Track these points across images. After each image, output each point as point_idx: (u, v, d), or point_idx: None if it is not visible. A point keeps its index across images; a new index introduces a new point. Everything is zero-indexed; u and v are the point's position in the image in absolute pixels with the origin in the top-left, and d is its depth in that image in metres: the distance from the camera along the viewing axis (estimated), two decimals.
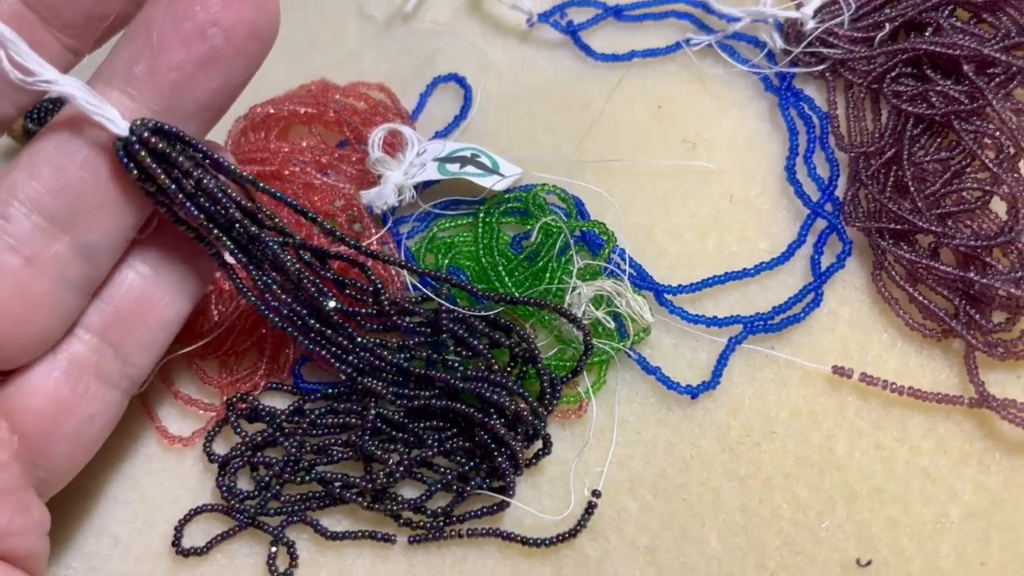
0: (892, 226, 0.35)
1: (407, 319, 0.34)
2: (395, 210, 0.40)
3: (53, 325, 0.29)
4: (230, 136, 0.41)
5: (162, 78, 0.28)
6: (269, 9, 0.28)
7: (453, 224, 0.39)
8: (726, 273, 0.37)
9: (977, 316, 0.34)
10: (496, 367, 0.34)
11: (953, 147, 0.36)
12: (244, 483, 0.36)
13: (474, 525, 0.34)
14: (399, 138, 0.40)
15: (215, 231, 0.30)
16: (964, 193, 0.36)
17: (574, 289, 0.36)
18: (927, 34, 0.38)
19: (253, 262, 0.32)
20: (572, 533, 0.34)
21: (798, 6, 0.40)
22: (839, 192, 0.38)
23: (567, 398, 0.35)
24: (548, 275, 0.36)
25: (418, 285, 0.37)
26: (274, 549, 0.35)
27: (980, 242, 0.34)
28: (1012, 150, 0.35)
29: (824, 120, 0.39)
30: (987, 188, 0.35)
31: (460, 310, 0.34)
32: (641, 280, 0.37)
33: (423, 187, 0.40)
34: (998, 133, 0.35)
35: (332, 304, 0.32)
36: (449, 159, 0.39)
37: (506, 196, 0.38)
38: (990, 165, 0.35)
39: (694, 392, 0.35)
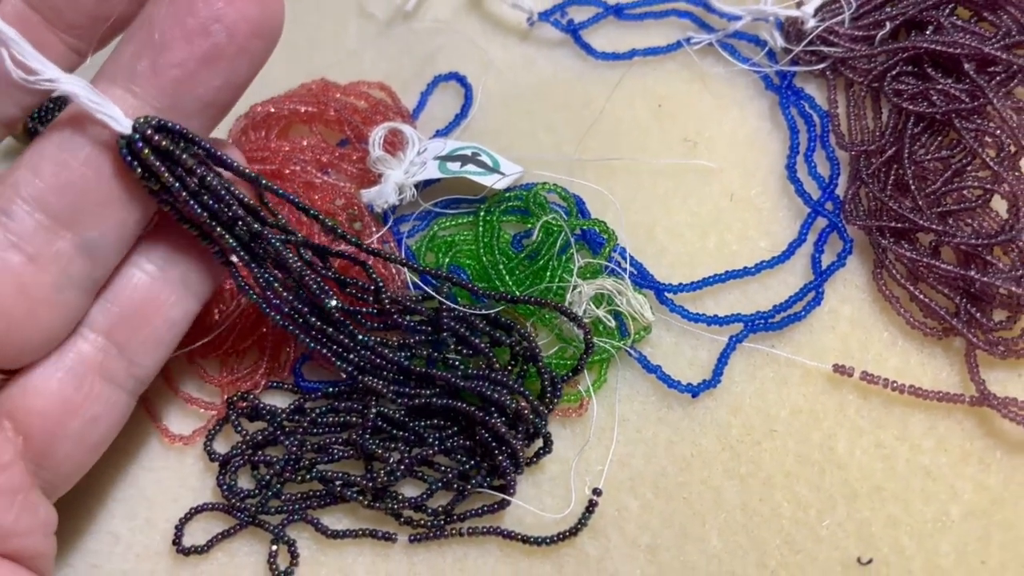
0: (893, 224, 0.35)
1: (408, 317, 0.34)
2: (396, 209, 0.40)
3: (56, 323, 0.29)
4: (231, 135, 0.41)
5: (165, 75, 0.28)
6: (273, 7, 0.28)
7: (454, 223, 0.39)
8: (727, 272, 0.37)
9: (978, 314, 0.34)
10: (497, 365, 0.34)
11: (954, 145, 0.36)
12: (245, 482, 0.36)
13: (475, 524, 0.34)
14: (400, 137, 0.40)
15: (218, 229, 0.30)
16: (965, 191, 0.36)
17: (575, 288, 0.36)
18: (928, 32, 0.38)
19: (255, 260, 0.32)
20: (573, 532, 0.34)
21: (799, 5, 0.40)
22: (840, 191, 0.38)
23: (568, 396, 0.35)
24: (549, 273, 0.36)
25: (419, 284, 0.37)
26: (275, 548, 0.35)
27: (981, 240, 0.34)
28: (1013, 148, 0.35)
29: (825, 119, 0.39)
30: (988, 186, 0.35)
31: (461, 308, 0.34)
32: (642, 279, 0.37)
33: (424, 186, 0.40)
34: (999, 131, 0.35)
35: (334, 303, 0.32)
36: (450, 158, 0.39)
37: (507, 195, 0.38)
38: (991, 163, 0.35)
39: (695, 391, 0.35)
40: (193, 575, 0.35)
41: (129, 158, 0.28)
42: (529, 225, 0.37)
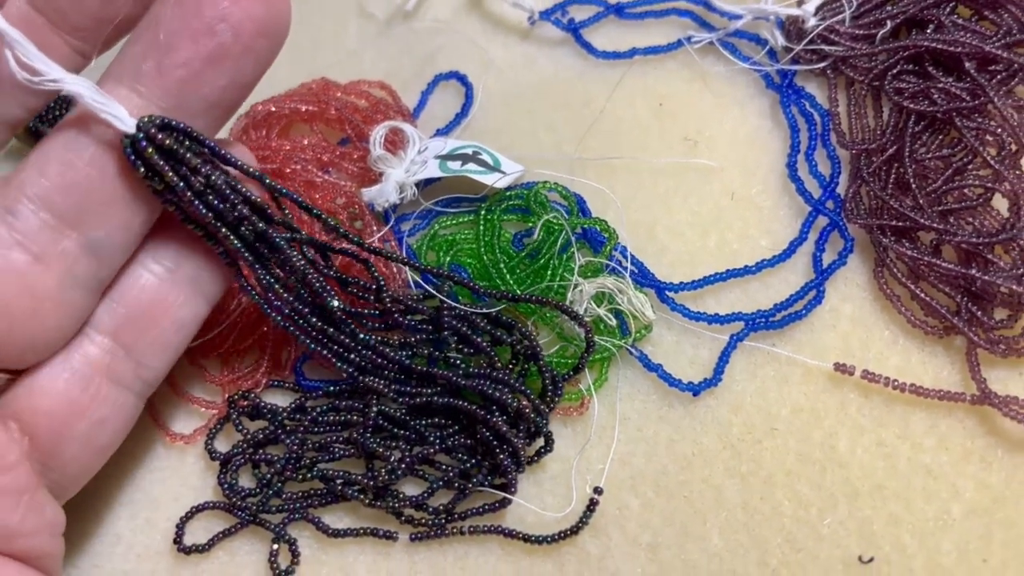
0: (894, 223, 0.35)
1: (409, 316, 0.34)
2: (396, 208, 0.40)
3: (61, 323, 0.29)
4: (232, 134, 0.41)
5: (170, 75, 0.28)
6: (279, 7, 0.28)
7: (455, 222, 0.39)
8: (728, 270, 0.37)
9: (979, 313, 0.34)
10: (498, 364, 0.34)
11: (955, 144, 0.36)
12: (246, 480, 0.36)
13: (476, 522, 0.34)
14: (400, 136, 0.40)
15: (223, 229, 0.30)
16: (966, 190, 0.36)
17: (576, 286, 0.36)
18: (928, 31, 0.38)
19: (259, 260, 0.32)
20: (574, 530, 0.34)
21: (799, 3, 0.40)
22: (840, 189, 0.38)
23: (569, 395, 0.36)
24: (550, 272, 0.36)
25: (420, 282, 0.37)
26: (276, 547, 0.34)
27: (982, 239, 0.34)
28: (1014, 147, 0.35)
29: (825, 117, 0.39)
30: (989, 185, 0.35)
31: (462, 307, 0.34)
32: (643, 277, 0.37)
33: (424, 185, 0.40)
34: (1000, 130, 0.35)
35: (336, 303, 0.32)
36: (450, 157, 0.39)
37: (507, 194, 0.38)
38: (992, 162, 0.35)
39: (696, 389, 0.35)
40: (194, 574, 0.35)
41: (133, 157, 0.28)
42: (530, 224, 0.37)
